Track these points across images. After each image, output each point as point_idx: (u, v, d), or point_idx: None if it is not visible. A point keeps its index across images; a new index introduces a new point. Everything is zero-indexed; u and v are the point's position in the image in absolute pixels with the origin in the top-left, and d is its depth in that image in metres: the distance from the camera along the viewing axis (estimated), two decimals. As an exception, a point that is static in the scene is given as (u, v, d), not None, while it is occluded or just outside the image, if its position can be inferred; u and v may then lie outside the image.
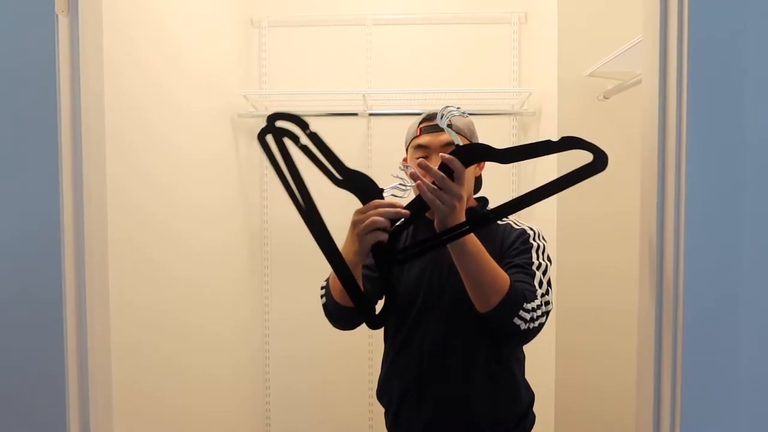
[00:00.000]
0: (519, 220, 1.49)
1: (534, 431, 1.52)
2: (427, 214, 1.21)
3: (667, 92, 0.97)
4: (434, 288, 1.44)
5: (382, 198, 1.20)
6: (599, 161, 1.09)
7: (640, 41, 1.76)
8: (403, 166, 1.25)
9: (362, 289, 1.26)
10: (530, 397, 1.52)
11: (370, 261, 1.43)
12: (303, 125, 1.15)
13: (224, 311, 2.49)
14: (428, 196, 1.14)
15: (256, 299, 2.93)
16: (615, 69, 2.10)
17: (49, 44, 1.04)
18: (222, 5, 2.51)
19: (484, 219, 1.18)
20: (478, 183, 1.57)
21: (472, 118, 1.50)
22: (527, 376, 1.53)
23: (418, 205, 1.18)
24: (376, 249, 1.20)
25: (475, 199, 1.56)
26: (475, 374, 1.42)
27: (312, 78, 2.88)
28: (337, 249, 1.18)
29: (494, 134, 2.71)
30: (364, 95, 2.70)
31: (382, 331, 1.55)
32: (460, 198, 1.15)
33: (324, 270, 1.44)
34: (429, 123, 1.45)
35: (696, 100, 0.92)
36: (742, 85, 0.91)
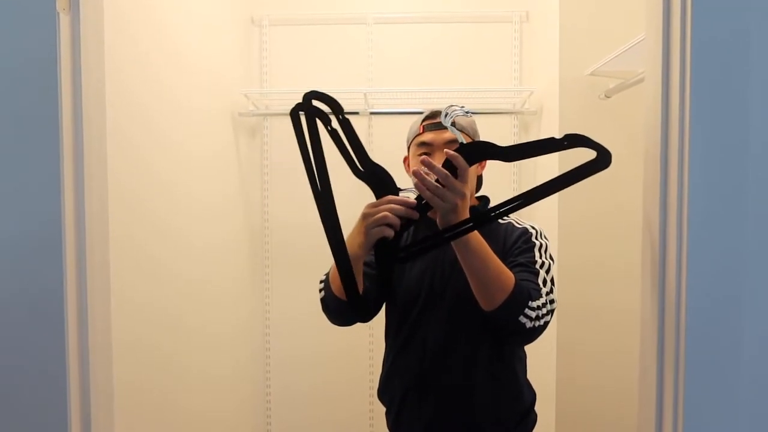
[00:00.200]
0: (520, 218, 1.49)
1: (535, 430, 1.52)
2: (429, 214, 1.20)
3: (670, 91, 0.97)
4: (436, 287, 1.44)
5: (397, 196, 1.20)
6: (603, 159, 1.08)
7: (641, 40, 1.77)
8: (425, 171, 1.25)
9: (362, 285, 1.25)
10: (532, 397, 1.52)
11: (370, 258, 1.43)
12: (338, 109, 1.15)
13: (225, 310, 2.49)
14: (426, 194, 1.13)
15: (256, 298, 2.93)
16: (616, 68, 2.10)
17: (51, 42, 1.04)
18: (223, 3, 2.51)
19: (488, 216, 1.18)
20: (478, 182, 1.56)
21: (471, 116, 1.50)
22: (528, 376, 1.53)
23: (424, 201, 1.18)
24: (379, 246, 1.19)
25: (476, 197, 1.56)
26: (477, 373, 1.41)
27: (313, 76, 2.88)
28: (342, 239, 1.17)
29: (495, 133, 2.70)
30: (365, 94, 2.70)
31: (383, 330, 1.55)
32: (463, 195, 1.15)
33: (324, 269, 1.45)
34: (432, 121, 1.45)
35: (699, 98, 0.92)
36: (746, 83, 0.91)
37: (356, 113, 2.74)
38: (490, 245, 1.27)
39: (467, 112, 1.23)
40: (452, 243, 1.21)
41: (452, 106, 1.20)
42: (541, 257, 1.38)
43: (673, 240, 0.96)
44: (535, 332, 1.28)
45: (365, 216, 1.20)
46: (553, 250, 1.45)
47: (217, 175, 2.41)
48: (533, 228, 1.46)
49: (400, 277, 1.48)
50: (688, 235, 0.93)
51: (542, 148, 1.13)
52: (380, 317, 1.52)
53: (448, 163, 1.14)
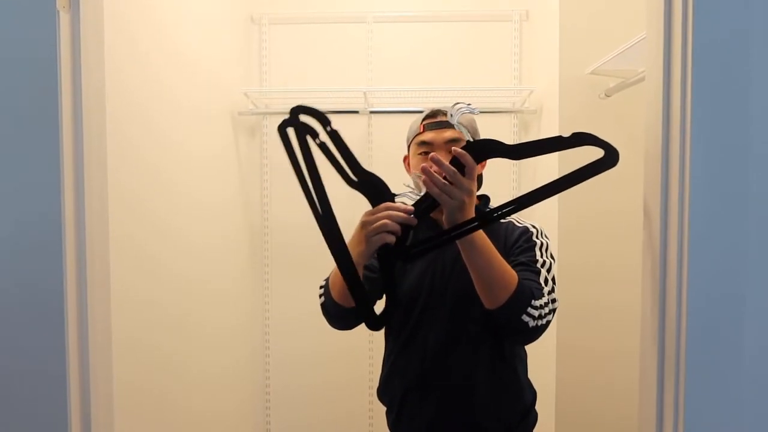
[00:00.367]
0: (521, 217, 1.49)
1: (535, 430, 1.52)
2: (432, 214, 1.20)
3: (671, 89, 0.97)
4: (437, 287, 1.44)
5: (394, 202, 1.20)
6: (610, 157, 1.08)
7: (642, 39, 1.77)
8: (416, 175, 1.24)
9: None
10: (533, 396, 1.52)
11: (370, 263, 1.42)
12: (324, 121, 1.14)
13: (225, 309, 2.48)
14: (435, 190, 1.13)
15: (256, 297, 2.93)
16: (617, 67, 2.10)
17: (51, 40, 1.03)
18: (222, 2, 2.50)
19: (494, 215, 1.17)
20: (479, 181, 1.56)
21: (473, 115, 1.49)
22: (528, 375, 1.53)
23: (424, 205, 1.18)
24: (384, 251, 1.19)
25: (476, 196, 1.55)
26: (478, 373, 1.41)
27: (313, 75, 2.87)
28: (347, 252, 1.17)
29: (495, 132, 2.66)
30: (364, 93, 2.70)
31: (382, 330, 1.55)
32: (470, 193, 1.14)
33: (324, 269, 1.44)
34: (432, 120, 1.45)
35: (700, 97, 0.92)
36: (748, 81, 0.91)
37: (356, 112, 2.74)
38: (491, 244, 1.27)
39: (473, 110, 1.22)
40: (458, 242, 1.21)
41: (458, 103, 1.20)
42: (542, 256, 1.38)
43: (674, 240, 0.96)
44: (538, 331, 1.28)
45: (364, 224, 1.20)
46: (553, 249, 1.45)
47: (216, 174, 2.41)
48: (534, 227, 1.46)
49: (400, 277, 1.48)
50: (689, 234, 0.92)
51: (550, 146, 1.13)
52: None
53: (455, 161, 1.14)
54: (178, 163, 1.99)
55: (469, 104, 1.20)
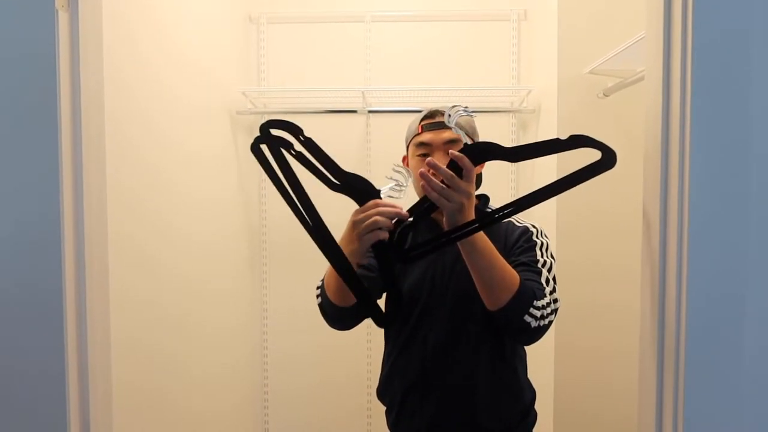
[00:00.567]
0: (520, 217, 1.49)
1: (534, 429, 1.52)
2: (433, 215, 1.20)
3: (671, 89, 0.97)
4: (437, 287, 1.44)
5: (380, 199, 1.20)
6: (608, 159, 1.09)
7: (640, 38, 1.77)
8: (397, 167, 1.24)
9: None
10: (532, 395, 1.52)
11: (367, 262, 1.42)
12: (296, 131, 1.14)
13: (223, 309, 2.48)
14: (433, 195, 1.13)
15: (254, 296, 2.92)
16: (615, 66, 2.10)
17: (49, 39, 1.03)
18: (221, 1, 2.50)
19: (495, 216, 1.18)
20: (478, 180, 1.56)
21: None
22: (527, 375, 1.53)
23: (424, 207, 1.18)
24: (381, 249, 1.19)
25: (475, 196, 1.55)
26: (479, 372, 1.41)
27: (310, 75, 2.87)
28: (344, 257, 1.17)
29: (493, 131, 2.70)
30: (362, 92, 2.70)
31: (381, 330, 1.55)
32: (469, 196, 1.15)
33: (322, 268, 1.44)
34: (431, 120, 1.45)
35: (700, 96, 0.92)
36: (747, 81, 0.91)
37: (354, 112, 2.74)
38: (491, 244, 1.27)
39: (470, 113, 1.23)
40: (458, 244, 1.21)
41: (455, 106, 1.20)
42: (542, 256, 1.38)
43: (674, 239, 0.96)
44: (540, 331, 1.28)
45: (355, 224, 1.20)
46: (552, 248, 1.45)
47: (215, 173, 2.40)
48: (534, 226, 1.46)
49: (401, 277, 1.48)
50: (689, 234, 0.92)
51: (547, 148, 1.13)
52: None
53: (453, 164, 1.14)
54: (177, 163, 1.99)
55: (466, 107, 1.20)
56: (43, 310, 1.05)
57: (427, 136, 1.44)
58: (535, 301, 1.26)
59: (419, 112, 1.51)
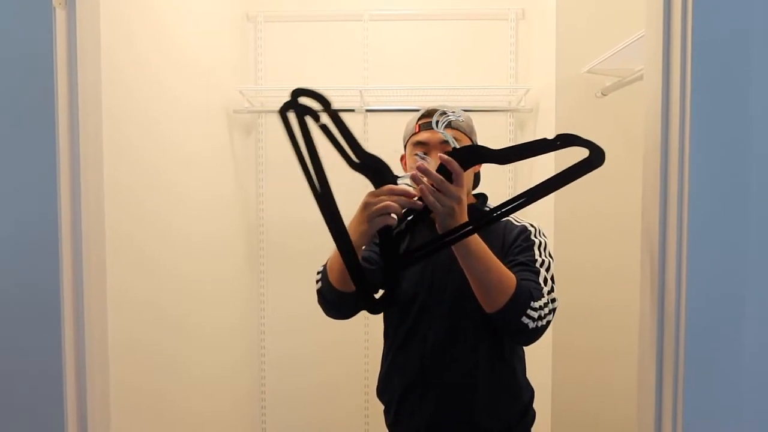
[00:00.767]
0: (518, 216, 1.48)
1: (533, 429, 1.52)
2: (431, 215, 1.20)
3: (671, 87, 0.96)
4: (435, 286, 1.44)
5: (396, 185, 1.19)
6: (596, 157, 1.08)
7: (639, 37, 1.77)
8: (420, 156, 1.23)
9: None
10: (531, 394, 1.52)
11: (368, 254, 1.42)
12: (326, 103, 1.13)
13: (220, 308, 2.48)
14: (429, 199, 1.13)
15: (252, 296, 2.92)
16: (613, 66, 2.10)
17: (47, 37, 1.03)
18: (219, 0, 2.49)
19: (487, 219, 1.17)
20: (476, 179, 1.56)
21: (469, 114, 1.49)
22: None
23: (423, 207, 1.18)
24: (387, 235, 1.17)
25: (474, 195, 1.55)
26: (477, 372, 1.41)
27: (308, 74, 2.87)
28: (347, 234, 1.15)
29: (491, 131, 2.70)
30: (360, 91, 2.69)
31: (378, 328, 1.55)
32: (459, 200, 1.14)
33: (320, 266, 1.44)
34: (427, 120, 1.45)
35: (700, 95, 0.92)
36: (747, 80, 0.91)
37: (352, 110, 2.73)
38: (488, 244, 1.27)
39: (459, 117, 1.22)
40: (453, 248, 1.21)
41: (445, 112, 1.20)
42: (540, 255, 1.38)
43: (673, 239, 0.96)
44: (538, 332, 1.28)
45: (367, 205, 1.19)
46: (550, 248, 1.45)
47: (212, 172, 2.40)
48: (532, 226, 1.46)
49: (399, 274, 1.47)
50: (689, 234, 0.92)
51: (535, 149, 1.13)
52: (378, 316, 1.51)
53: (443, 168, 1.13)
54: (175, 163, 1.99)
55: (453, 111, 1.20)
56: (40, 309, 1.05)
57: (424, 135, 1.44)
58: (532, 303, 1.26)
59: (417, 111, 1.51)
